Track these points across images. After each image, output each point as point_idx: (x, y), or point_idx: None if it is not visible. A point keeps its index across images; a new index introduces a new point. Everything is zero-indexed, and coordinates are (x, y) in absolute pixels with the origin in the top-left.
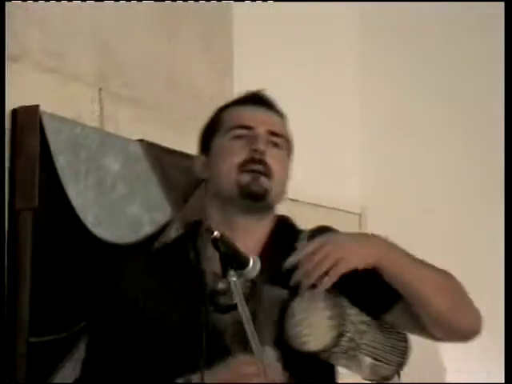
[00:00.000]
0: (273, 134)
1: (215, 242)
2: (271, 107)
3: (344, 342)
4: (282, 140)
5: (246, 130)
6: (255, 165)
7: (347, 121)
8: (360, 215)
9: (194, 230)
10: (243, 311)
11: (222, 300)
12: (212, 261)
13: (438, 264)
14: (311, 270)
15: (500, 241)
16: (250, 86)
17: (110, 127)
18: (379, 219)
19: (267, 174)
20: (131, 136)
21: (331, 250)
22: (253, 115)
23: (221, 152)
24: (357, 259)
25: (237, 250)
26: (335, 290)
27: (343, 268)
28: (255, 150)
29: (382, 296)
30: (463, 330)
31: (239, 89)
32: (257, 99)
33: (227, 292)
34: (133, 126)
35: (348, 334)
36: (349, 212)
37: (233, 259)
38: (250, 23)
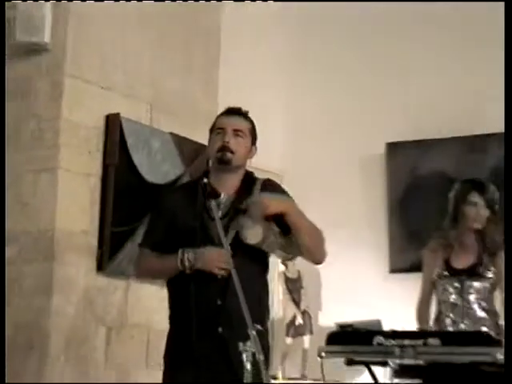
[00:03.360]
0: (236, 130)
1: (205, 186)
2: (237, 115)
3: (267, 241)
4: (242, 132)
5: (221, 130)
6: (224, 150)
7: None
8: (281, 176)
9: (203, 177)
10: (218, 222)
11: (211, 214)
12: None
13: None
14: (256, 208)
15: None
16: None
17: (154, 125)
18: (300, 181)
19: (231, 151)
20: (166, 130)
21: (266, 202)
22: (225, 121)
23: (211, 142)
24: (277, 208)
25: (216, 190)
26: (270, 221)
27: (270, 211)
28: (223, 141)
29: (287, 227)
30: (318, 258)
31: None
32: (230, 111)
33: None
34: (166, 126)
35: (270, 238)
36: (271, 173)
37: (211, 194)
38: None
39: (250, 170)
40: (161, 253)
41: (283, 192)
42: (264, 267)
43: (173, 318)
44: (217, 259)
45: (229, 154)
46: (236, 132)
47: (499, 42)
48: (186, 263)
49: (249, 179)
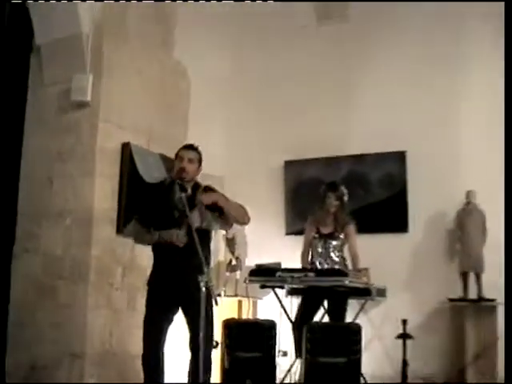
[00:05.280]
0: (189, 159)
1: (179, 184)
2: (191, 149)
3: (205, 222)
4: (193, 160)
5: (181, 158)
6: (182, 171)
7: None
8: (222, 178)
9: (174, 180)
10: (186, 209)
11: (179, 204)
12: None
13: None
14: (202, 199)
15: None
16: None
17: (150, 149)
18: (234, 181)
19: (186, 172)
20: (157, 152)
21: (203, 198)
22: (183, 153)
23: (176, 164)
24: (209, 200)
25: (185, 187)
26: (208, 210)
27: (206, 202)
28: (181, 166)
29: (221, 210)
30: (244, 222)
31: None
32: (186, 147)
33: (181, 199)
34: (157, 149)
35: (208, 219)
36: (216, 176)
37: (183, 189)
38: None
39: (203, 175)
40: (147, 228)
41: (215, 190)
42: (207, 238)
43: (154, 262)
44: (176, 237)
45: (184, 174)
46: (189, 160)
47: (356, 83)
48: (161, 239)
49: (196, 185)
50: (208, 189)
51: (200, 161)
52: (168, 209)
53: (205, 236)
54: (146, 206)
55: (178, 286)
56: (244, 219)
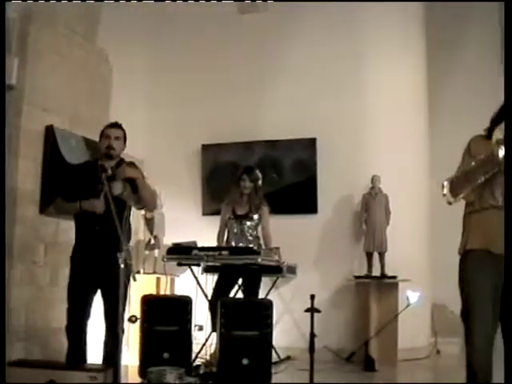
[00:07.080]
0: (116, 137)
1: (101, 167)
2: (117, 127)
3: (124, 194)
4: (119, 137)
5: (107, 136)
6: (109, 148)
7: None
8: (143, 161)
9: (96, 159)
10: (105, 185)
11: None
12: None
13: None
14: (120, 173)
15: None
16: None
17: (73, 132)
18: (154, 163)
19: (113, 149)
20: (79, 134)
21: (123, 171)
22: (109, 131)
23: (102, 142)
24: (128, 174)
25: (106, 168)
26: (127, 183)
27: (125, 175)
28: (109, 144)
29: (135, 188)
30: (151, 207)
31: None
32: (112, 125)
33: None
34: (79, 132)
35: (126, 192)
36: (137, 159)
37: (104, 170)
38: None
39: (126, 158)
40: (67, 200)
41: (137, 168)
42: (126, 211)
43: (75, 236)
44: (95, 204)
45: (112, 151)
46: (116, 137)
47: (271, 73)
48: (81, 208)
49: (120, 162)
50: (132, 164)
51: (125, 138)
52: (94, 184)
53: (124, 209)
54: (70, 183)
55: (97, 259)
56: (151, 205)
